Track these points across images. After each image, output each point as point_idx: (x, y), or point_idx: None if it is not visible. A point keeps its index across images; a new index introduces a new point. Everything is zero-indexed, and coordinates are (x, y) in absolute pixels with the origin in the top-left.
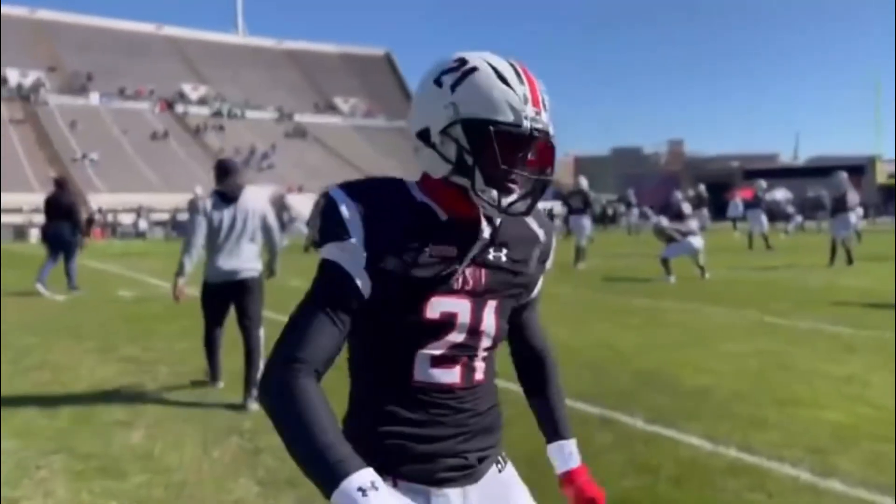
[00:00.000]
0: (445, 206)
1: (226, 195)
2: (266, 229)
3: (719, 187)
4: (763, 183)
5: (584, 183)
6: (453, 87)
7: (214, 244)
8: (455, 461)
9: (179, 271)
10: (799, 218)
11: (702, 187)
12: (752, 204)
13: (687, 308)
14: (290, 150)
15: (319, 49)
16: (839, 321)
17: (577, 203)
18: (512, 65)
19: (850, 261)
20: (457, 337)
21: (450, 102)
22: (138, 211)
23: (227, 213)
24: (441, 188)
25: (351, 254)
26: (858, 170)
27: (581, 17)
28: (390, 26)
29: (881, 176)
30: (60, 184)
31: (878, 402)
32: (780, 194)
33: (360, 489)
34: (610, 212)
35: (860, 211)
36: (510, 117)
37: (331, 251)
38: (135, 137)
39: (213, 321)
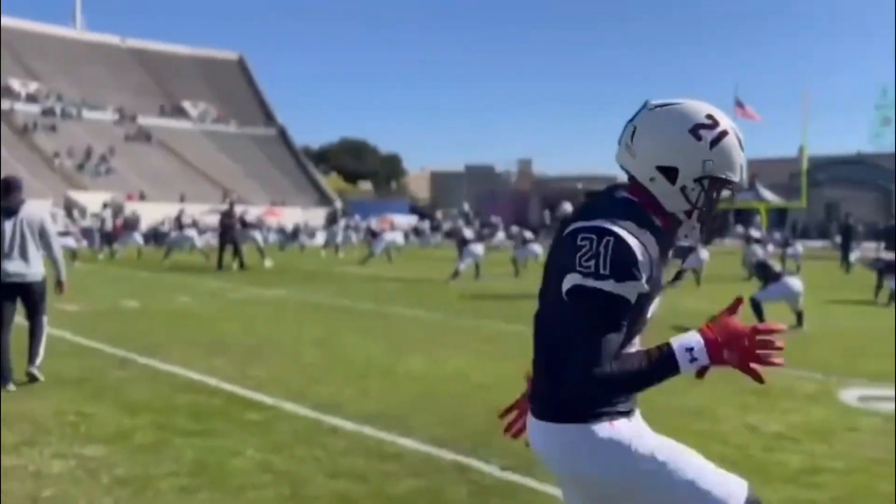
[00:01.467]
0: (668, 231)
1: (10, 208)
2: (44, 238)
3: None
4: None
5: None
6: (711, 145)
7: (2, 251)
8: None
9: None
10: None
11: (567, 205)
12: None
13: None
14: (131, 154)
15: (168, 50)
16: None
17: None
18: (738, 130)
19: (697, 282)
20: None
21: (708, 159)
22: None
23: (8, 225)
24: (665, 215)
25: (636, 289)
26: None
27: (435, 35)
28: (244, 31)
29: None
30: None
31: (730, 439)
32: None
33: (686, 349)
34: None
35: None
36: (741, 179)
37: (624, 288)
38: None
39: (1, 323)
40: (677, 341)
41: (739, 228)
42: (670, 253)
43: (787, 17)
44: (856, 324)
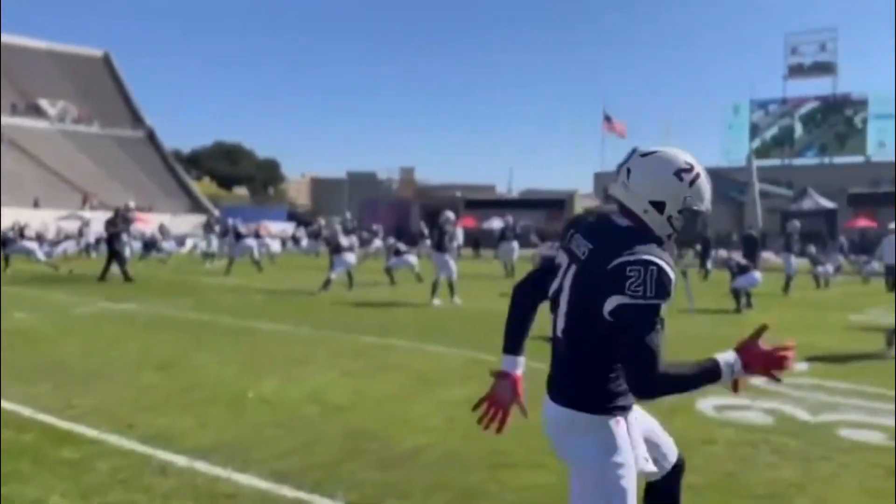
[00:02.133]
0: None
1: None
2: None
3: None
4: (510, 218)
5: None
6: (690, 185)
7: None
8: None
9: None
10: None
11: (449, 214)
12: (504, 236)
13: (413, 347)
14: None
15: (23, 43)
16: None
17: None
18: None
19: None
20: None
21: (688, 195)
22: None
23: None
24: (657, 239)
25: (668, 304)
26: (560, 203)
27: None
28: (112, 28)
29: (579, 208)
30: None
31: None
32: (496, 223)
33: (727, 364)
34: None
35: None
36: (707, 209)
37: (662, 305)
38: None
39: None
40: (721, 356)
41: None
42: None
43: (651, 39)
44: (714, 330)
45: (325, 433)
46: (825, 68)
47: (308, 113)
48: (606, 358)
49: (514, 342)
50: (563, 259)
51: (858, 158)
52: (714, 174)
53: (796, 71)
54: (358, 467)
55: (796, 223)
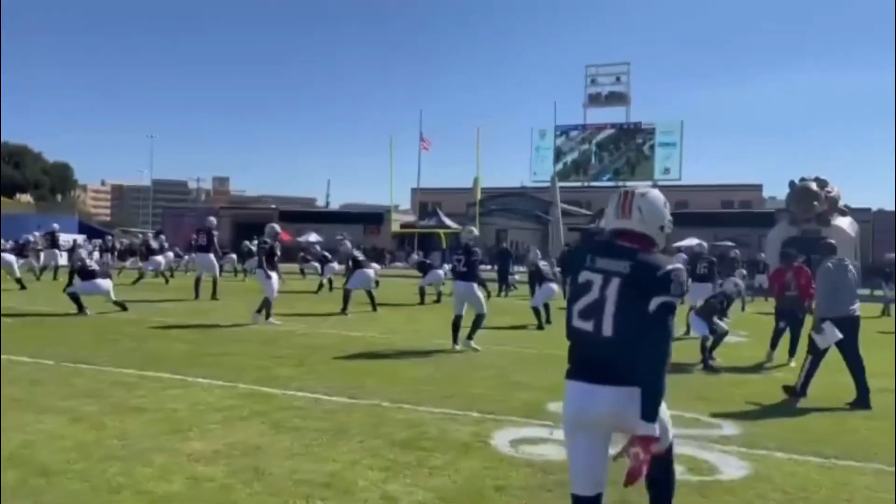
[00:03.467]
0: None
1: None
2: None
3: (258, 228)
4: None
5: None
6: (667, 211)
7: None
8: None
9: None
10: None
11: (275, 227)
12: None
13: (177, 381)
14: None
15: None
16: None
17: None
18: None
19: (373, 308)
20: None
21: (668, 219)
22: None
23: None
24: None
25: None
26: (378, 217)
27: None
28: None
29: (395, 224)
30: None
31: None
32: (313, 237)
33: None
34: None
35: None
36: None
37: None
38: None
39: None
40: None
41: (416, 255)
42: None
43: (465, 63)
44: (516, 348)
45: None
46: (619, 98)
47: (107, 113)
48: (641, 345)
49: None
50: (593, 278)
51: (647, 182)
52: (523, 194)
53: (595, 100)
54: None
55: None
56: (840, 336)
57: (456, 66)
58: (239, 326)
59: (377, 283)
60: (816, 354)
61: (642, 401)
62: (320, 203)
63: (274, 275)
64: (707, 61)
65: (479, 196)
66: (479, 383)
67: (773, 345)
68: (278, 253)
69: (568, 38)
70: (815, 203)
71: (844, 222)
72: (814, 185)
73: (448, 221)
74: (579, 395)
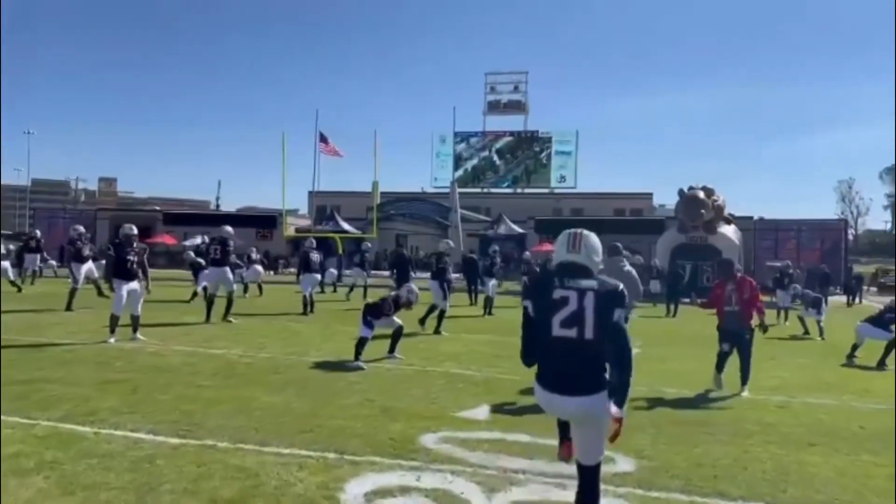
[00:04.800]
0: None
1: None
2: None
3: (141, 231)
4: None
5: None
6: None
7: None
8: None
9: None
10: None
11: (130, 228)
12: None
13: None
14: None
15: None
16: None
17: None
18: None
19: (307, 311)
20: None
21: (601, 251)
22: None
23: None
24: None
25: None
26: (272, 220)
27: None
28: None
29: (290, 229)
30: None
31: None
32: (198, 240)
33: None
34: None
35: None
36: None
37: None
38: None
39: None
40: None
41: (316, 255)
42: None
43: (366, 69)
44: (396, 364)
45: None
46: (518, 106)
47: None
48: (616, 345)
49: None
50: (569, 294)
51: (544, 189)
52: (423, 199)
53: (494, 107)
54: None
55: (496, 247)
56: None
57: (357, 72)
58: (79, 345)
59: (246, 287)
60: None
61: (617, 392)
62: (211, 206)
63: (126, 286)
64: (601, 73)
65: (377, 200)
66: (344, 412)
67: (719, 368)
68: (131, 258)
69: (468, 46)
70: (703, 211)
71: (729, 230)
72: (701, 194)
73: (346, 226)
74: (550, 402)
